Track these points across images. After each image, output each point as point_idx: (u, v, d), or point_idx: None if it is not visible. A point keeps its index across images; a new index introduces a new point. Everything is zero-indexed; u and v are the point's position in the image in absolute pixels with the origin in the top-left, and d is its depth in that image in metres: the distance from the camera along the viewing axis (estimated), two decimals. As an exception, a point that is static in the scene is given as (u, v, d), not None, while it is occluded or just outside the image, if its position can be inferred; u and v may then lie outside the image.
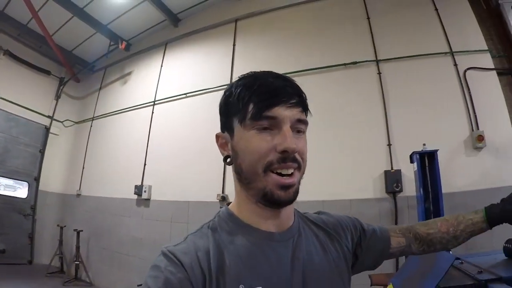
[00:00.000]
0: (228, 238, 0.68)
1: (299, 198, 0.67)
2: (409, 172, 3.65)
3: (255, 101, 0.65)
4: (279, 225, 0.71)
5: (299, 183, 0.67)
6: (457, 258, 1.56)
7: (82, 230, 5.57)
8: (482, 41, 4.02)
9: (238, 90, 0.68)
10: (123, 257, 5.16)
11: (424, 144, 3.45)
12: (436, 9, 4.22)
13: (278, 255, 0.68)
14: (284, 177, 0.64)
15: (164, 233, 4.77)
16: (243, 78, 0.71)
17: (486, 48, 3.99)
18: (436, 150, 3.31)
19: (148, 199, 5.12)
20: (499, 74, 3.92)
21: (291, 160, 0.64)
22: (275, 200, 0.65)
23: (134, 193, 5.18)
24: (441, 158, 3.31)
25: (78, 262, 5.44)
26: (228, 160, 0.72)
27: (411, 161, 3.52)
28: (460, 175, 3.54)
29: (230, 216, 0.72)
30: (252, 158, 0.64)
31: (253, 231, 0.69)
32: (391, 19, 4.37)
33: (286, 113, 0.64)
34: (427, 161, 3.33)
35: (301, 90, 0.71)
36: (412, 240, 0.92)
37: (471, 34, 4.06)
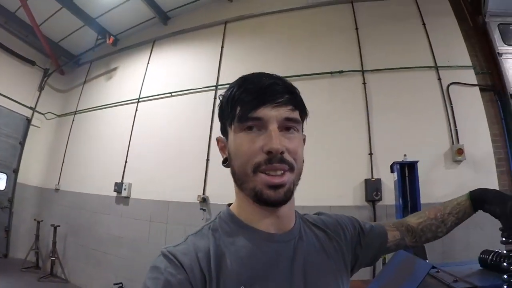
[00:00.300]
0: (228, 239, 0.67)
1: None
2: (389, 181, 3.70)
3: (241, 103, 0.65)
4: (279, 225, 0.70)
5: (293, 183, 0.66)
6: (433, 267, 1.59)
7: (59, 226, 5.43)
8: (467, 57, 4.10)
9: (228, 94, 0.69)
10: (101, 255, 5.06)
11: (405, 155, 3.52)
12: (424, 24, 4.30)
13: (279, 257, 0.67)
14: (272, 177, 0.63)
15: (143, 232, 4.68)
16: (235, 81, 0.71)
17: (470, 64, 4.08)
18: (417, 161, 3.39)
19: (127, 197, 5.02)
20: (481, 90, 4.01)
21: (278, 161, 0.63)
22: (265, 200, 0.64)
23: (114, 191, 5.08)
24: (421, 169, 3.38)
25: (54, 258, 5.32)
26: (227, 162, 0.73)
27: (392, 171, 3.57)
28: (439, 187, 3.60)
29: (231, 217, 0.72)
30: (242, 159, 0.65)
31: (254, 232, 0.68)
32: (379, 30, 4.42)
33: (271, 113, 0.63)
34: (407, 172, 3.38)
35: (293, 88, 0.70)
36: (405, 233, 0.93)
37: (456, 50, 4.15)
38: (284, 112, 0.65)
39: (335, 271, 0.75)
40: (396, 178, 3.45)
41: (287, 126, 0.66)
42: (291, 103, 0.66)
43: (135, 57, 6.03)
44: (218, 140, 0.76)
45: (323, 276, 0.71)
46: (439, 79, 4.03)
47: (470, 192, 0.93)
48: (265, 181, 0.63)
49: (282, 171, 0.64)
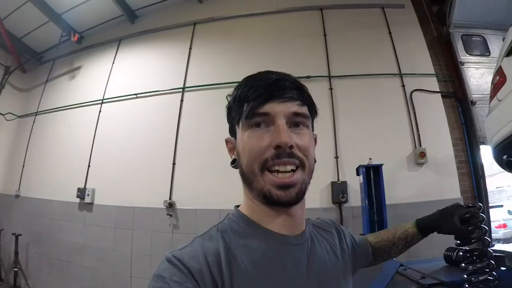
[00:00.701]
0: (240, 241, 0.64)
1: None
2: (354, 183, 3.78)
3: (248, 100, 0.64)
4: (291, 227, 0.68)
5: (304, 183, 0.64)
6: (401, 265, 1.66)
7: (21, 234, 5.13)
8: (430, 65, 4.27)
9: (235, 92, 0.68)
10: (65, 265, 4.81)
11: (370, 159, 3.64)
12: (390, 32, 4.43)
13: (294, 260, 0.65)
14: (281, 177, 0.61)
15: (108, 240, 4.49)
16: (242, 80, 0.70)
17: (433, 72, 4.25)
18: (381, 165, 3.50)
19: (91, 203, 4.80)
20: (443, 97, 4.19)
21: (287, 155, 0.61)
22: (275, 201, 0.62)
23: (77, 196, 4.84)
24: (385, 171, 3.48)
25: (17, 269, 5.04)
26: (235, 163, 0.70)
27: (357, 174, 3.67)
28: (402, 188, 3.76)
29: (241, 218, 0.68)
30: (250, 157, 0.63)
31: (267, 234, 0.66)
32: (346, 38, 4.51)
33: (278, 108, 0.62)
34: (372, 174, 3.49)
35: (300, 84, 0.69)
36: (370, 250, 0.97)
37: (420, 58, 4.30)
38: (292, 106, 0.63)
39: (344, 274, 0.76)
40: (361, 181, 3.54)
41: (295, 121, 0.64)
42: (299, 98, 0.65)
43: (100, 56, 5.78)
44: (226, 141, 0.74)
45: (335, 279, 0.71)
46: (403, 86, 4.16)
47: (417, 220, 0.98)
48: (272, 181, 0.61)
49: (293, 167, 0.62)
